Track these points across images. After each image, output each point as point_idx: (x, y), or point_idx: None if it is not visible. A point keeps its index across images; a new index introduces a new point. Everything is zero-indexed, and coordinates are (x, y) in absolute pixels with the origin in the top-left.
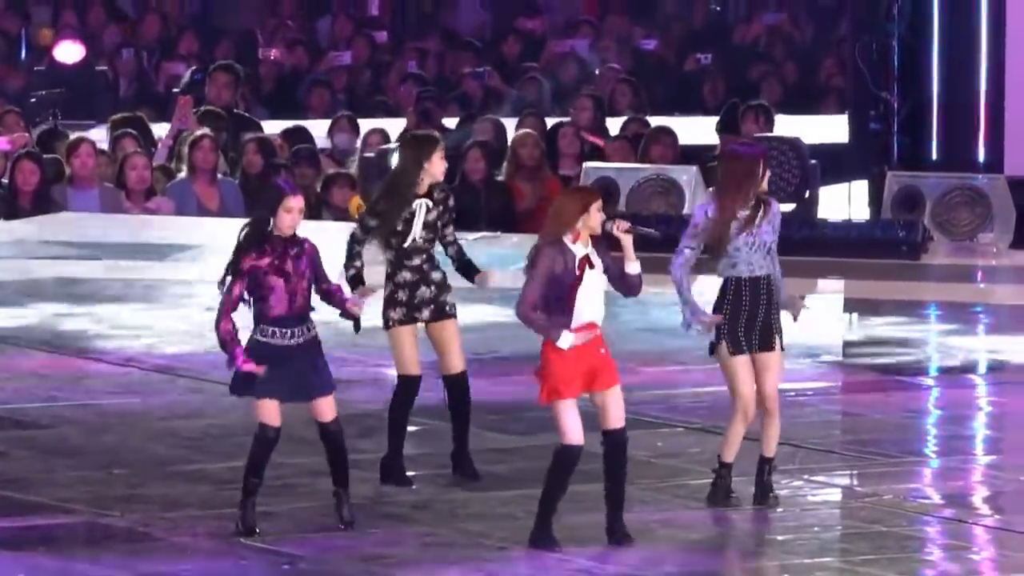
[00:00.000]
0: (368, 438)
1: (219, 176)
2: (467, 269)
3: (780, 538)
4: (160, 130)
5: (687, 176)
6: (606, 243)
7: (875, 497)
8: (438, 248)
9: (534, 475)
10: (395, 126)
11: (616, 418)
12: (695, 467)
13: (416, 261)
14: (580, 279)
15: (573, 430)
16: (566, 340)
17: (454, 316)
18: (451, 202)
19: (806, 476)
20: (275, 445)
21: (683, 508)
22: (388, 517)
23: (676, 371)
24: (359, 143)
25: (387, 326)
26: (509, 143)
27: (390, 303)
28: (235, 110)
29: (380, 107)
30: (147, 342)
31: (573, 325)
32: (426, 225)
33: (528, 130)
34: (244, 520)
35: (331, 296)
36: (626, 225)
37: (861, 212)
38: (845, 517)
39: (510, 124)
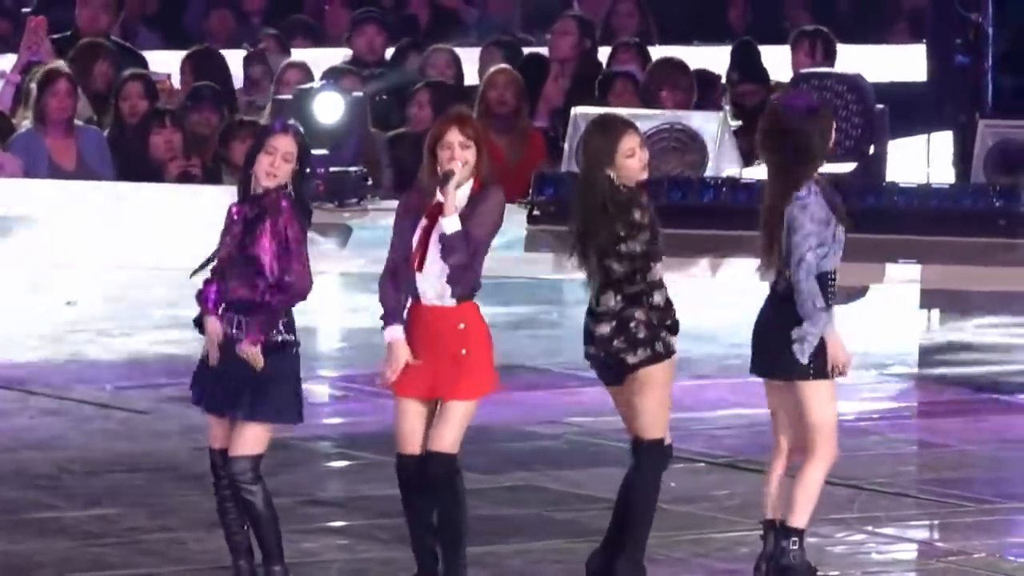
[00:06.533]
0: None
1: (78, 123)
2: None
3: None
4: (3, 63)
5: (711, 125)
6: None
7: (962, 556)
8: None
9: (506, 526)
10: (320, 58)
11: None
12: (720, 515)
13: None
14: (428, 233)
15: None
16: (390, 334)
17: (619, 383)
18: (634, 216)
19: (870, 527)
20: None
21: (703, 570)
22: None
23: (695, 386)
24: (271, 81)
25: None
26: (481, 82)
27: None
28: (111, 36)
29: (300, 32)
30: None
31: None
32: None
33: (504, 66)
34: None
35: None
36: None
37: (944, 174)
38: None
39: (470, 56)
